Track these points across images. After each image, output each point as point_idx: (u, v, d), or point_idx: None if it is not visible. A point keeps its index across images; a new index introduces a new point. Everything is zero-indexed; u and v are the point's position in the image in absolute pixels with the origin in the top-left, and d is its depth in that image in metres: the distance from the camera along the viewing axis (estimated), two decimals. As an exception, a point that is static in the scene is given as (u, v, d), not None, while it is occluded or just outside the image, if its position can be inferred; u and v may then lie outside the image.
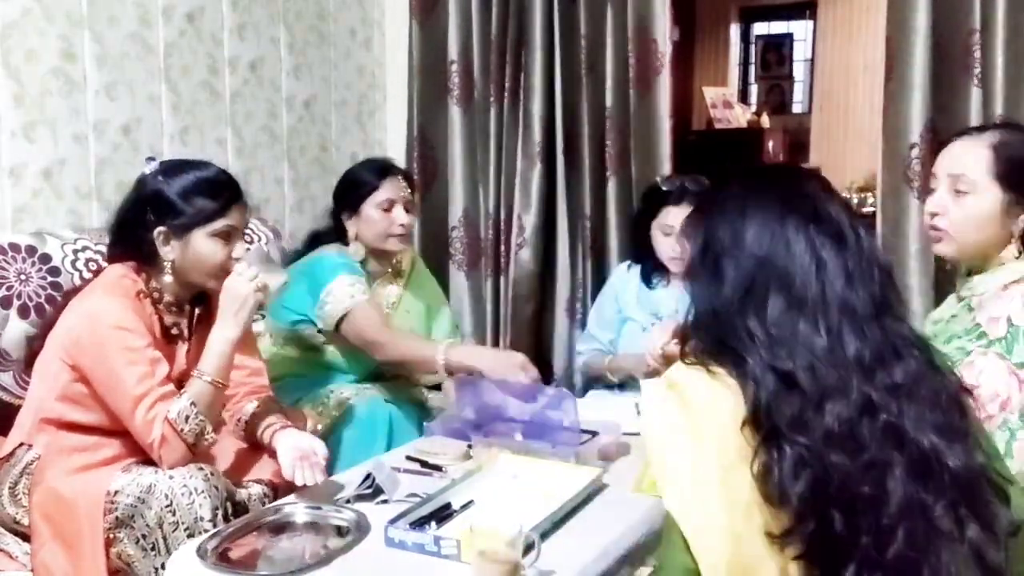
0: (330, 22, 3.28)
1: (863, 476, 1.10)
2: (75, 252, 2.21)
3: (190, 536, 1.70)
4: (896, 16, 2.66)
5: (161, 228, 1.88)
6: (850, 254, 1.20)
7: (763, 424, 1.12)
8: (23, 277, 2.10)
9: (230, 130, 2.90)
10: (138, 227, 1.91)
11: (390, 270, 2.60)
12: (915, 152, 2.63)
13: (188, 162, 2.00)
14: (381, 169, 2.56)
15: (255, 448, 2.04)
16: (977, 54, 2.55)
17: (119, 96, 2.55)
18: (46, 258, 2.15)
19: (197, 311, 2.03)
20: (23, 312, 2.07)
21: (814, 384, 1.13)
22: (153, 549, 1.74)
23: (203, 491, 1.74)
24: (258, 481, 1.97)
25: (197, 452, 1.83)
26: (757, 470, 1.11)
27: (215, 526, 1.71)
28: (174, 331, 1.98)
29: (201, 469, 1.79)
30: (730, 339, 1.18)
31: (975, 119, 2.53)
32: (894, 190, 2.70)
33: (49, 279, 2.13)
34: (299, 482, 1.82)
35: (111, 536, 1.77)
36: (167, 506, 1.74)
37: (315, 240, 2.64)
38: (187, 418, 1.80)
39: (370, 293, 2.47)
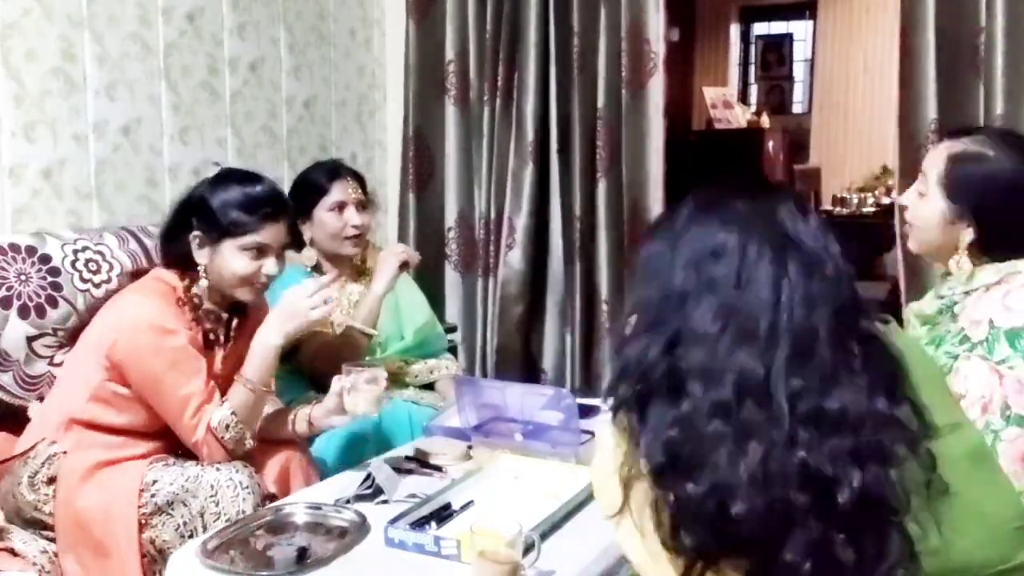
0: (330, 22, 3.28)
1: (766, 519, 1.01)
2: (75, 252, 2.20)
3: None
4: (908, 13, 2.64)
5: (197, 232, 1.93)
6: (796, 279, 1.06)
7: (656, 469, 1.05)
8: (23, 277, 2.09)
9: (230, 130, 2.90)
10: (181, 229, 1.96)
11: (349, 270, 2.58)
12: (923, 152, 2.62)
13: (239, 173, 2.03)
14: (330, 171, 2.55)
15: (259, 452, 2.04)
16: (982, 52, 2.55)
17: (119, 96, 2.55)
18: (46, 258, 2.15)
19: (235, 320, 2.06)
20: (23, 312, 2.07)
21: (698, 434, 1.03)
22: (191, 537, 1.76)
23: (247, 486, 1.80)
24: None
25: (236, 456, 1.89)
26: (653, 517, 1.05)
27: (255, 522, 1.74)
28: (211, 337, 2.01)
29: (246, 467, 1.86)
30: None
31: (981, 117, 2.54)
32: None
33: (49, 279, 2.13)
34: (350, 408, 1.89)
35: (143, 522, 1.80)
36: (211, 496, 1.78)
37: None
38: (227, 427, 1.87)
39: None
